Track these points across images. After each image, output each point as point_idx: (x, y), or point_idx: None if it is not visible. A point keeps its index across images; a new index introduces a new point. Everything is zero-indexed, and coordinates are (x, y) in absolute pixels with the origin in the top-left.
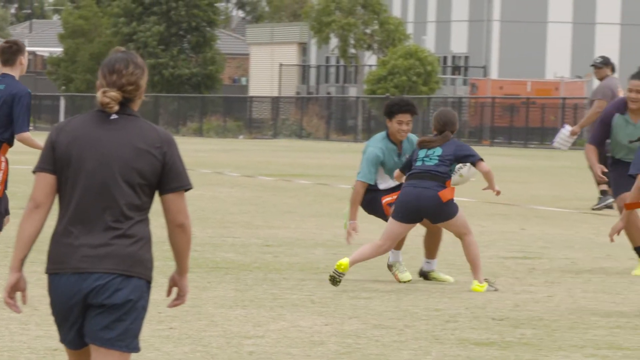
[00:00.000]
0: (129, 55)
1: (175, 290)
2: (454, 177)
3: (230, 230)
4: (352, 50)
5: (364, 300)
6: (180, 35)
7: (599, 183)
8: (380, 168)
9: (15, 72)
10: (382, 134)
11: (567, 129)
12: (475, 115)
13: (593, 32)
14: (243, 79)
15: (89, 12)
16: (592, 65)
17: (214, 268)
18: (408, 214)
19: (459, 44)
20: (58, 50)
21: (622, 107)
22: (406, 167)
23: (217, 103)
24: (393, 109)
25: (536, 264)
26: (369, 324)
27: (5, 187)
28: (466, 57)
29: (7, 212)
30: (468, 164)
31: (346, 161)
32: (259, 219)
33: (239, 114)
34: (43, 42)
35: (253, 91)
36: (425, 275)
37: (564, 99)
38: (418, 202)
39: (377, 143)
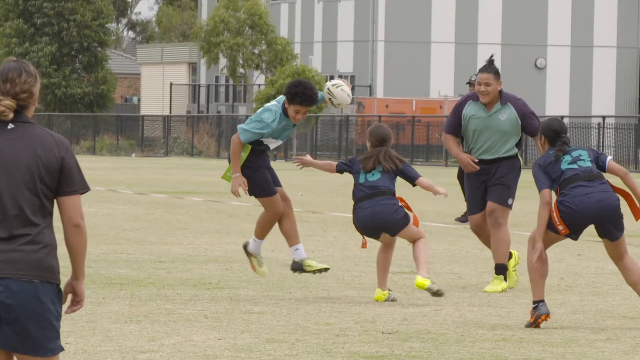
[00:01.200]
0: (21, 64)
1: (70, 296)
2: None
3: (124, 247)
4: (241, 70)
5: (256, 314)
6: (72, 55)
7: (468, 171)
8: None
9: None
10: (278, 107)
11: None
12: (363, 133)
13: (475, 52)
14: (135, 98)
15: None
16: (468, 83)
17: (109, 284)
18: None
19: (345, 64)
20: None
21: (476, 95)
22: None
23: (110, 122)
24: (294, 99)
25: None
26: (261, 338)
27: None
28: (352, 76)
29: None
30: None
31: None
32: (152, 236)
33: (131, 133)
34: None
35: (145, 110)
36: (299, 266)
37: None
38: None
39: (272, 115)
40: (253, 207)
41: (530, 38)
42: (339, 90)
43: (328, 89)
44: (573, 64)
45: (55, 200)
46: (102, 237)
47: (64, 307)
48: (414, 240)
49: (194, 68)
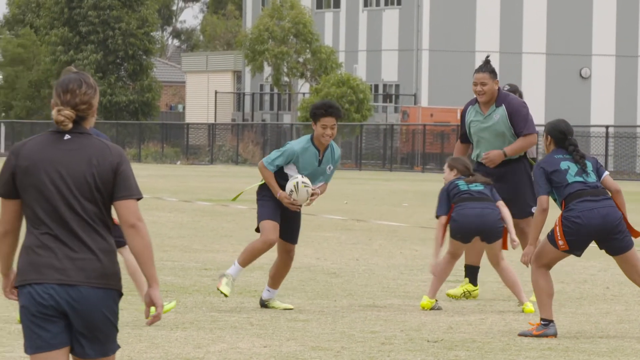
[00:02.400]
0: (82, 76)
1: (152, 308)
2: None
3: (170, 254)
4: (285, 78)
5: (302, 322)
6: (117, 64)
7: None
8: (293, 165)
9: None
10: (308, 136)
11: None
12: (407, 142)
13: (520, 61)
14: (179, 106)
15: (28, 41)
16: None
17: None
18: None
19: (389, 73)
20: None
21: (475, 100)
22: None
23: (155, 130)
24: (317, 112)
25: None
26: (306, 345)
27: None
28: (397, 85)
29: None
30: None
31: None
32: (197, 243)
33: (176, 140)
34: None
35: (189, 118)
36: (263, 303)
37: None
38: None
39: (299, 142)
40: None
41: (575, 47)
42: (304, 190)
43: (298, 182)
44: (618, 73)
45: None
46: None
47: (144, 319)
48: (496, 258)
49: (238, 76)
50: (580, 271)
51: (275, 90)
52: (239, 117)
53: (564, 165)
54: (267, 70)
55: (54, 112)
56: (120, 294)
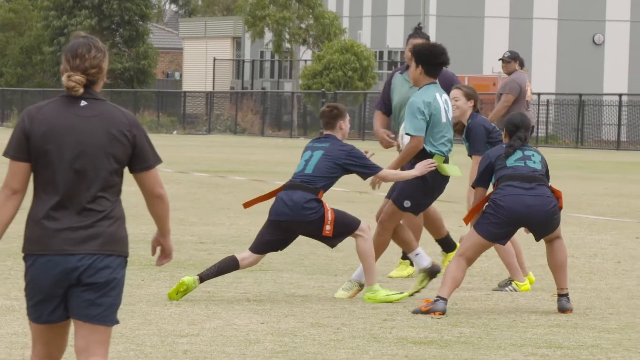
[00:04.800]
0: (90, 40)
1: (159, 249)
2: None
3: None
4: (287, 45)
5: (300, 298)
6: (113, 29)
7: (385, 147)
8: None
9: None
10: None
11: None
12: None
13: (531, 27)
14: (176, 74)
15: (19, 6)
16: (500, 59)
17: (148, 265)
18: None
19: (395, 39)
20: None
21: (405, 67)
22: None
23: (151, 98)
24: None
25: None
26: (305, 322)
27: None
28: (402, 52)
29: None
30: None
31: (281, 157)
32: (193, 216)
33: (172, 109)
34: None
35: (187, 86)
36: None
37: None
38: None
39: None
40: None
41: (588, 13)
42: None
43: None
44: (633, 39)
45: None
46: (142, 217)
47: (154, 258)
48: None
49: (238, 43)
50: (590, 245)
51: (276, 57)
52: (238, 85)
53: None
54: (268, 36)
55: (64, 78)
56: (127, 261)
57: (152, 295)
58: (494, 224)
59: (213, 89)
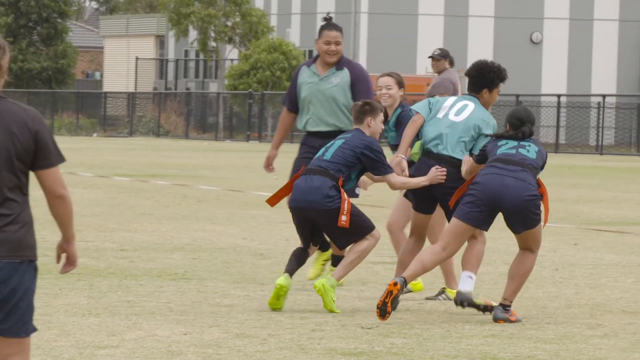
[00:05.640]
0: None
1: (64, 256)
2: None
3: (83, 234)
4: (213, 44)
5: (225, 307)
6: (30, 27)
7: (264, 166)
8: None
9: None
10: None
11: None
12: None
13: (466, 25)
14: (97, 74)
15: None
16: (430, 57)
17: (66, 274)
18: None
19: None
20: None
21: (312, 60)
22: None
23: (70, 99)
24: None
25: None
26: (230, 333)
27: None
28: None
29: None
30: None
31: (206, 160)
32: (114, 222)
33: (92, 111)
34: None
35: (107, 87)
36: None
37: (433, 95)
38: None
39: None
40: (222, 192)
41: (526, 10)
42: None
43: None
44: (572, 38)
45: (29, 174)
46: None
47: (58, 266)
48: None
49: (161, 41)
50: None
51: (201, 57)
52: (161, 85)
53: (503, 141)
54: (193, 34)
55: None
56: (36, 267)
57: (70, 305)
58: (470, 204)
59: (135, 89)
